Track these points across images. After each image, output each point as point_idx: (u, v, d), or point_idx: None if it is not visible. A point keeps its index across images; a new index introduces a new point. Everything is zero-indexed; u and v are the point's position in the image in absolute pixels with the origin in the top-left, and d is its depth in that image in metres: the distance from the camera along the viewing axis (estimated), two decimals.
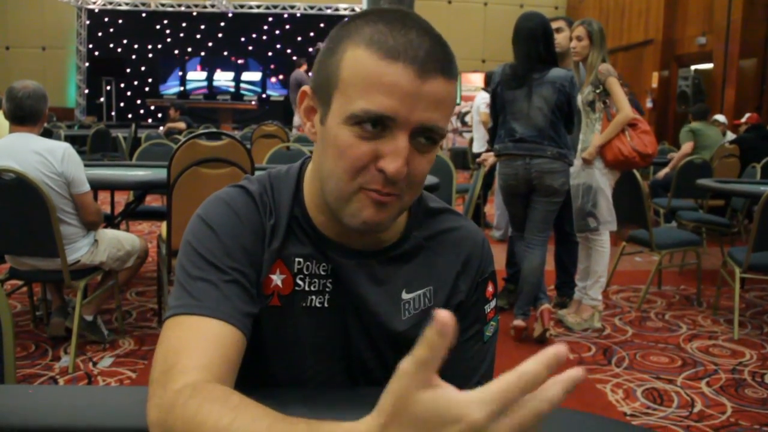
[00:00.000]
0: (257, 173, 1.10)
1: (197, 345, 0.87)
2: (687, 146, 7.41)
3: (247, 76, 19.48)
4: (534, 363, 0.54)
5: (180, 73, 19.43)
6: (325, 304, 1.03)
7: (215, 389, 0.79)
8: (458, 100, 15.14)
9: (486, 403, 0.54)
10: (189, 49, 19.32)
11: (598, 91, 3.97)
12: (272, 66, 19.02)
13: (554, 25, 4.24)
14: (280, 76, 18.66)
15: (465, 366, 1.08)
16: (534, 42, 3.76)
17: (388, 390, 0.58)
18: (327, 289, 1.03)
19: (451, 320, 0.55)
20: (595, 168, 4.06)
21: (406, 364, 0.57)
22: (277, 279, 1.01)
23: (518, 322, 3.89)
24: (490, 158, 4.21)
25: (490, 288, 1.10)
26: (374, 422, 0.59)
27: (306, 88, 0.98)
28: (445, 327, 0.56)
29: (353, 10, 17.09)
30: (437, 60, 0.88)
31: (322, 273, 1.02)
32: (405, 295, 1.04)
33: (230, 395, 0.77)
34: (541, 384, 0.55)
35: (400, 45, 0.86)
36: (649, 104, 12.97)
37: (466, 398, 0.55)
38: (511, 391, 0.54)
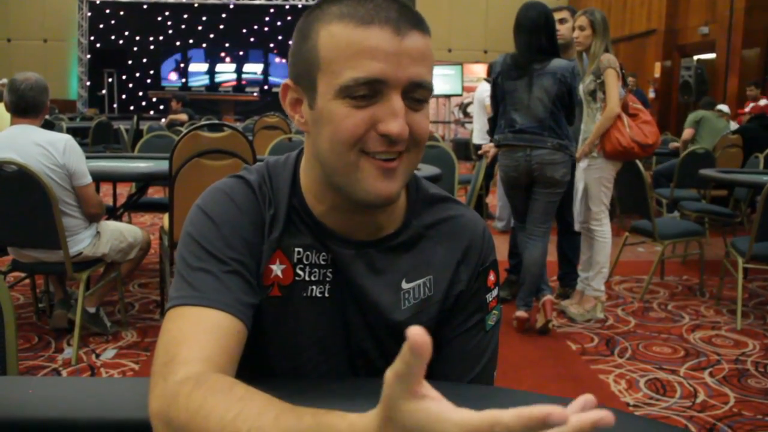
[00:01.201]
0: (257, 164, 1.10)
1: (198, 336, 0.87)
2: (686, 132, 7.41)
3: (248, 67, 19.46)
4: (514, 418, 0.52)
5: (182, 65, 19.42)
6: (326, 294, 1.03)
7: (219, 380, 0.79)
8: (460, 91, 15.13)
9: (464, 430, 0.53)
10: (191, 41, 19.30)
11: (599, 80, 3.95)
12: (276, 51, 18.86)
13: (558, 15, 4.21)
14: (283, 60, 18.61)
15: (467, 355, 1.07)
16: (535, 32, 3.74)
17: (382, 394, 0.58)
18: (327, 279, 1.02)
19: (425, 339, 0.53)
20: (578, 167, 4.05)
21: (389, 374, 0.57)
22: (276, 269, 1.01)
23: (520, 314, 3.89)
24: (491, 149, 4.20)
25: (491, 277, 1.09)
26: (374, 422, 0.60)
27: (287, 81, 0.99)
28: (418, 347, 0.54)
29: None
30: (409, 17, 0.90)
31: (322, 263, 1.02)
32: (405, 285, 1.04)
33: (235, 386, 0.77)
34: None
35: (370, 10, 0.89)
36: (651, 94, 12.94)
37: (448, 418, 0.54)
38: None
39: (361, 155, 0.91)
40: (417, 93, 0.91)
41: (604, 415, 0.52)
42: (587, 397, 0.54)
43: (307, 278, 1.02)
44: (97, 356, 3.43)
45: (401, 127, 0.88)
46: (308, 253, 1.02)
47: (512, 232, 4.71)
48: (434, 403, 0.56)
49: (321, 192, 1.00)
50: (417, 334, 0.53)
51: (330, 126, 0.91)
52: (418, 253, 1.05)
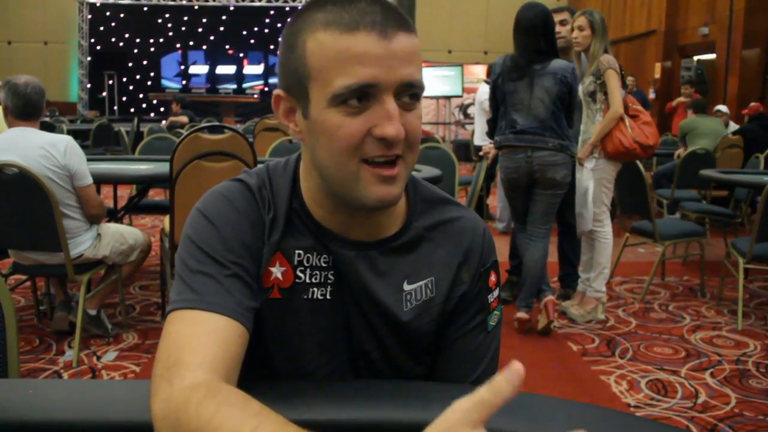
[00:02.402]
0: (258, 166, 1.10)
1: (201, 340, 0.87)
2: (680, 149, 7.44)
3: (249, 69, 19.46)
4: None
5: (182, 67, 19.42)
6: (327, 296, 1.03)
7: (232, 393, 0.79)
8: (460, 92, 15.12)
9: None
10: (191, 43, 19.29)
11: (599, 81, 3.95)
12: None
13: (558, 17, 4.21)
14: None
15: (470, 356, 1.08)
16: (533, 33, 3.73)
17: (438, 420, 0.60)
18: (329, 281, 1.02)
19: (522, 371, 0.57)
20: (584, 168, 4.05)
21: (464, 401, 0.59)
22: (276, 271, 1.01)
23: (521, 315, 3.89)
24: (492, 150, 4.20)
25: (492, 277, 1.09)
26: None
27: (278, 92, 0.99)
28: (516, 377, 0.57)
29: None
30: (394, 18, 0.90)
31: (324, 265, 1.02)
32: (406, 287, 1.04)
33: (249, 401, 0.77)
34: None
35: (355, 16, 0.88)
36: (651, 95, 12.94)
37: None
38: None
39: (361, 164, 0.91)
40: (409, 93, 0.91)
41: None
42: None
43: (307, 280, 1.02)
44: (98, 358, 3.43)
45: (397, 129, 0.88)
46: (309, 255, 1.02)
47: (513, 233, 4.71)
48: None
49: (320, 197, 1.00)
50: (518, 367, 0.58)
51: (326, 135, 0.91)
52: (420, 254, 1.06)
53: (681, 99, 9.49)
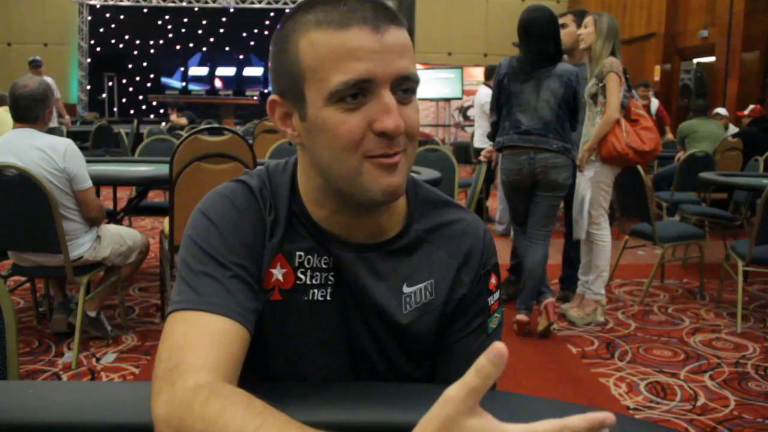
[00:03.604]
0: (258, 167, 1.10)
1: (203, 342, 0.87)
2: (680, 152, 7.44)
3: (249, 71, 19.45)
4: (580, 420, 0.59)
5: (182, 69, 19.41)
6: (327, 297, 1.03)
7: (235, 393, 0.79)
8: (460, 94, 15.11)
9: None
10: (191, 45, 19.28)
11: (600, 84, 3.95)
12: None
13: (560, 21, 4.19)
14: None
15: (470, 358, 1.07)
16: (544, 36, 3.72)
17: (432, 415, 0.60)
18: (329, 282, 1.03)
19: (506, 352, 0.58)
20: (583, 176, 4.05)
21: (453, 391, 0.59)
22: (277, 273, 1.01)
23: (521, 317, 3.89)
24: (494, 153, 4.19)
25: (493, 280, 1.09)
26: None
27: (273, 97, 0.98)
28: (499, 357, 0.58)
29: None
30: (384, 13, 0.90)
31: (324, 266, 1.02)
32: (406, 289, 1.04)
33: (253, 400, 0.77)
34: None
35: (345, 13, 0.89)
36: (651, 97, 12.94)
37: (513, 430, 0.59)
38: None
39: (364, 160, 0.91)
40: (404, 86, 0.91)
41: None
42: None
43: (308, 282, 1.02)
44: (98, 360, 3.43)
45: (396, 122, 0.89)
46: (309, 257, 1.02)
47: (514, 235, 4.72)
48: (494, 420, 0.60)
49: (321, 199, 1.00)
50: (499, 346, 0.58)
51: (326, 134, 0.91)
52: (420, 257, 1.06)
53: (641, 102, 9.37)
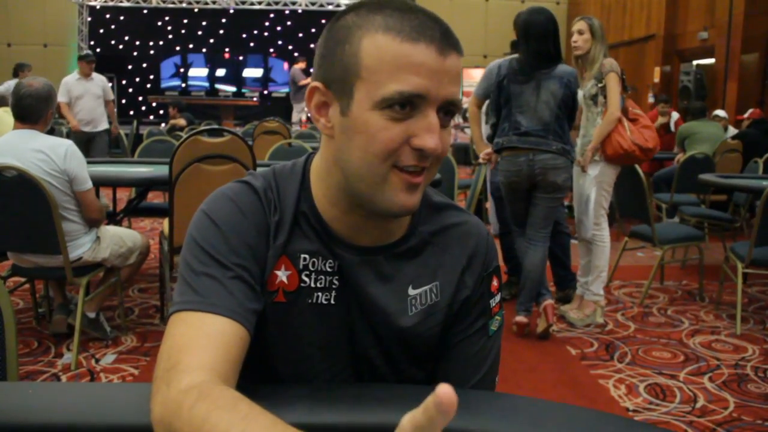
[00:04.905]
0: (260, 169, 1.10)
1: (201, 342, 0.87)
2: (679, 154, 7.45)
3: (248, 72, 19.44)
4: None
5: (182, 70, 19.40)
6: (332, 301, 1.03)
7: (223, 394, 0.79)
8: (460, 96, 15.10)
9: None
10: (190, 46, 19.28)
11: (600, 85, 3.96)
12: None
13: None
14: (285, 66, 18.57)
15: (470, 360, 1.08)
16: (545, 38, 3.73)
17: None
18: (333, 286, 1.03)
19: (453, 399, 0.55)
20: (587, 175, 4.05)
21: (406, 421, 0.58)
22: (282, 275, 1.01)
23: (520, 319, 3.89)
24: (493, 155, 4.18)
25: (494, 282, 1.10)
26: None
27: (317, 84, 0.97)
28: (445, 406, 0.55)
29: None
30: (450, 38, 0.92)
31: (329, 270, 1.02)
32: (411, 291, 1.05)
33: (239, 403, 0.77)
34: None
35: (416, 27, 0.90)
36: (651, 99, 12.95)
37: None
38: None
39: (392, 169, 0.92)
40: (448, 110, 0.93)
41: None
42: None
43: (312, 285, 1.02)
44: (97, 361, 3.43)
45: (436, 143, 0.90)
46: (314, 259, 1.02)
47: (501, 237, 4.73)
48: None
49: (336, 196, 1.00)
50: (446, 392, 0.55)
51: (364, 136, 0.91)
52: (425, 259, 1.06)
53: (661, 120, 9.38)
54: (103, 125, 8.32)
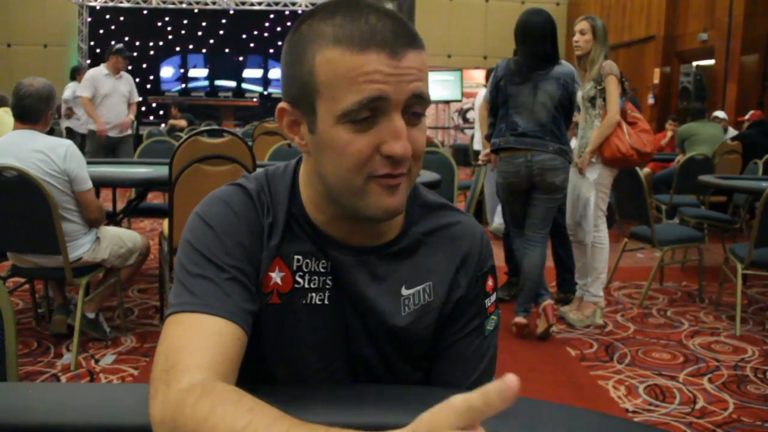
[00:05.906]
0: (257, 170, 1.10)
1: (199, 343, 0.88)
2: (679, 156, 7.45)
3: (248, 73, 19.45)
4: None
5: (182, 71, 19.41)
6: (326, 302, 1.03)
7: (226, 390, 0.79)
8: (459, 97, 15.11)
9: None
10: (190, 47, 19.29)
11: (599, 87, 3.95)
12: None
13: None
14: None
15: (467, 360, 1.08)
16: (542, 39, 3.73)
17: (427, 414, 0.59)
18: (327, 287, 1.03)
19: (518, 388, 0.55)
20: (586, 178, 4.05)
21: (458, 401, 0.57)
22: (276, 277, 1.02)
23: (519, 319, 3.89)
24: (492, 156, 4.18)
25: (490, 282, 1.10)
26: None
27: (283, 104, 0.98)
28: (509, 392, 0.55)
29: None
30: (403, 36, 0.90)
31: (322, 270, 1.03)
32: (405, 291, 1.05)
33: (243, 397, 0.77)
34: None
35: (365, 33, 0.88)
36: (650, 100, 12.95)
37: None
38: None
39: (368, 180, 0.91)
40: (416, 107, 0.91)
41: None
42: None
43: (306, 286, 1.03)
44: (97, 362, 3.43)
45: (404, 148, 0.89)
46: (308, 260, 1.02)
47: (505, 238, 4.72)
48: None
49: (322, 204, 1.01)
50: (512, 380, 0.55)
51: (334, 152, 0.91)
52: (418, 259, 1.06)
53: (669, 132, 9.38)
54: (128, 129, 7.56)
